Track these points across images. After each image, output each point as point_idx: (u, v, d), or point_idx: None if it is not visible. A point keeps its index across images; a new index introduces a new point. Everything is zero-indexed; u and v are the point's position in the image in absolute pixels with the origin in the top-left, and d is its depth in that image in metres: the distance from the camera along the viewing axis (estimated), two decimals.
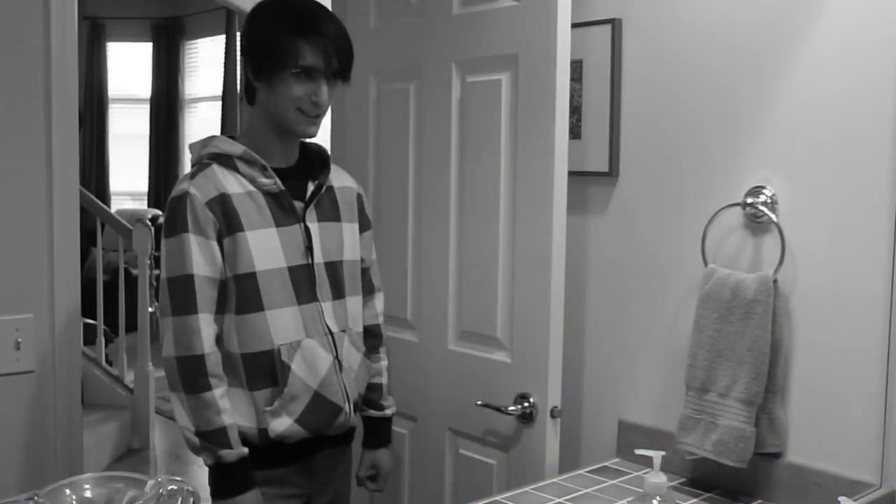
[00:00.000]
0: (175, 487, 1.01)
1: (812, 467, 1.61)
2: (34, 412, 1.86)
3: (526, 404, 1.79)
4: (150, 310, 4.53)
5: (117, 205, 7.61)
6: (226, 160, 1.62)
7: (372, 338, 1.82)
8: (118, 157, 7.79)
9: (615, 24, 1.86)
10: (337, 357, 1.66)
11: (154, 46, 7.65)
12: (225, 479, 1.56)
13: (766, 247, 1.67)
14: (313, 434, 1.65)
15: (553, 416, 1.76)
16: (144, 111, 7.72)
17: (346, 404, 1.67)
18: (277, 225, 1.61)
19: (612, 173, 1.89)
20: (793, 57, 1.63)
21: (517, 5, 1.79)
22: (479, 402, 1.86)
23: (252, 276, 1.58)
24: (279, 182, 1.62)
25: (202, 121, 7.57)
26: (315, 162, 1.73)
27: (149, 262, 4.48)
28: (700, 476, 1.74)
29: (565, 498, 1.66)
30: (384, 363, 1.86)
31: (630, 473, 1.80)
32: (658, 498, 1.45)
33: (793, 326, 1.64)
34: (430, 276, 2.01)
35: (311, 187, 1.69)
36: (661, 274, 1.83)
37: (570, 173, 1.76)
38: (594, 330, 1.97)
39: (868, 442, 1.57)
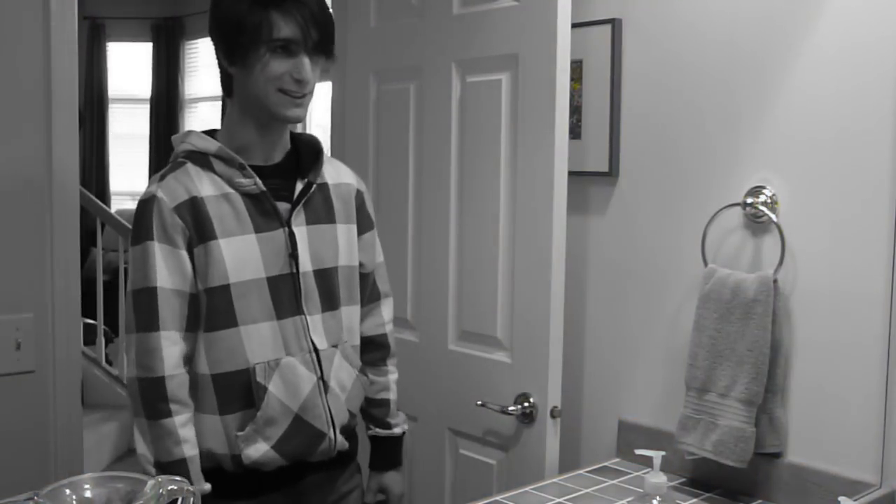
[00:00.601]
0: (175, 487, 1.01)
1: (812, 467, 1.61)
2: (34, 412, 1.86)
3: (526, 404, 1.79)
4: None
5: (117, 205, 7.61)
6: (200, 158, 1.46)
7: (376, 349, 1.69)
8: (118, 157, 7.79)
9: (615, 24, 1.86)
10: (322, 377, 1.50)
11: (154, 46, 7.65)
12: None
13: (766, 247, 1.67)
14: (291, 461, 1.49)
15: (553, 416, 1.76)
16: (144, 111, 7.72)
17: (331, 429, 1.51)
18: (257, 231, 1.45)
19: (612, 173, 1.89)
20: (793, 57, 1.63)
21: (517, 5, 1.79)
22: (479, 402, 1.86)
23: (225, 289, 1.42)
24: (259, 182, 1.46)
25: (202, 121, 7.57)
26: (307, 157, 1.56)
27: None
28: (700, 476, 1.74)
29: (565, 498, 1.66)
30: (392, 377, 1.71)
31: (630, 473, 1.80)
32: (658, 498, 1.45)
33: (793, 326, 1.64)
34: (430, 276, 2.01)
35: (299, 186, 1.52)
36: (661, 274, 1.83)
37: (570, 173, 1.76)
38: (594, 330, 1.97)
39: (868, 442, 1.57)
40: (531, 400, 1.78)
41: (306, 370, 1.48)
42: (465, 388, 1.93)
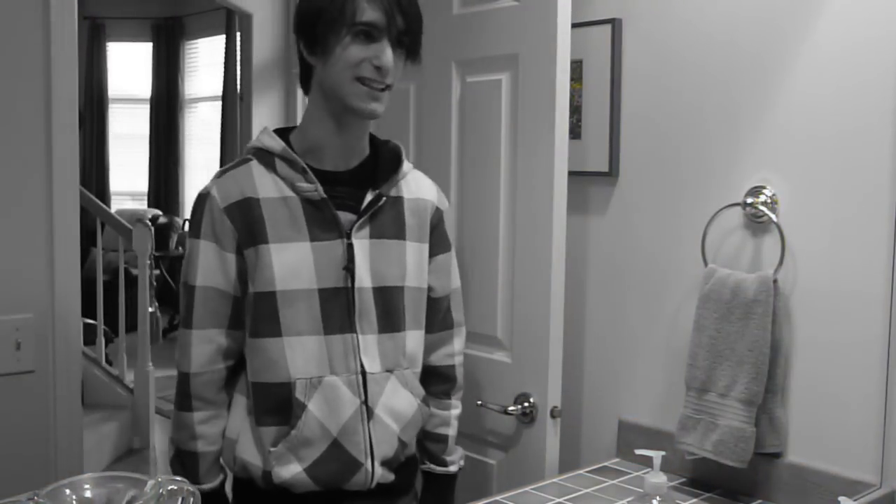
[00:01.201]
0: (175, 487, 1.01)
1: (812, 467, 1.61)
2: (34, 412, 1.86)
3: (526, 404, 1.79)
4: (150, 310, 4.53)
5: (117, 205, 7.63)
6: (266, 157, 1.41)
7: (443, 381, 1.60)
8: (118, 157, 7.81)
9: (615, 24, 1.86)
10: (366, 402, 1.41)
11: (154, 46, 7.67)
12: None
13: (766, 247, 1.67)
14: (324, 488, 1.40)
15: (553, 416, 1.76)
16: (144, 111, 7.73)
17: (368, 460, 1.41)
18: (313, 239, 1.38)
19: (612, 173, 1.89)
20: (793, 56, 1.63)
21: (517, 5, 1.79)
22: (479, 402, 1.86)
23: (271, 296, 1.37)
24: (321, 189, 1.38)
25: (202, 121, 7.59)
26: (384, 166, 1.47)
27: (149, 262, 4.48)
28: (700, 476, 1.74)
29: (565, 498, 1.66)
30: (455, 412, 1.62)
31: (630, 473, 1.80)
32: (658, 498, 1.45)
33: (793, 326, 1.64)
34: None
35: (369, 197, 1.43)
36: (661, 274, 1.83)
37: (570, 173, 1.76)
38: (594, 330, 1.97)
39: (868, 442, 1.57)
40: (531, 400, 1.79)
41: (350, 392, 1.40)
42: (465, 388, 1.93)
